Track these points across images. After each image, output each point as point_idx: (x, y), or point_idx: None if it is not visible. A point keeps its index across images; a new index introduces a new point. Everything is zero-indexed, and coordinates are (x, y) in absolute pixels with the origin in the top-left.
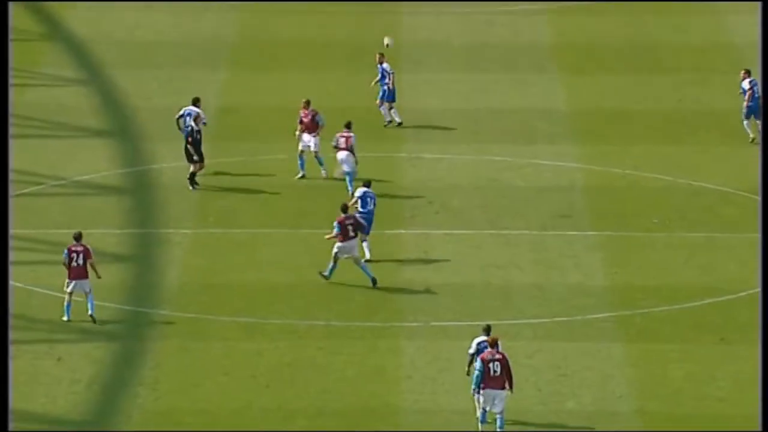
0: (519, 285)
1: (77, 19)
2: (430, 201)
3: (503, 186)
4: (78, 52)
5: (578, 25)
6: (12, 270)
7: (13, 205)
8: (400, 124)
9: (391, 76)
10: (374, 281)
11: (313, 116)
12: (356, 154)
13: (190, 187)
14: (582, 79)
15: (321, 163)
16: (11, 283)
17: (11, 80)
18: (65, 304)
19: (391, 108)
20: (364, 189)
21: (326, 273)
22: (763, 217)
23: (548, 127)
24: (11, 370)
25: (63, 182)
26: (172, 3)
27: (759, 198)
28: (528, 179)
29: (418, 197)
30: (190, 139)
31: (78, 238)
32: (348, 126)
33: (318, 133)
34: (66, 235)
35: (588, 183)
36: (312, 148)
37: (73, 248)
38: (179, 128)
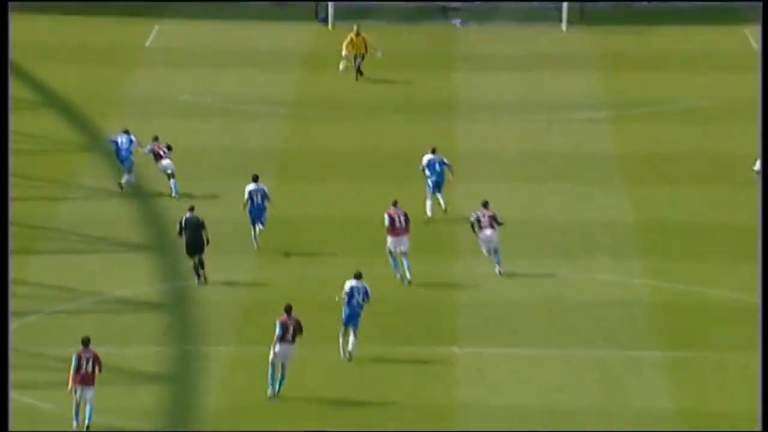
0: (581, 408)
1: (117, 130)
2: (485, 317)
3: (563, 302)
4: (117, 163)
5: (641, 133)
6: (46, 392)
7: (48, 323)
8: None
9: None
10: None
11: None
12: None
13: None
14: (647, 190)
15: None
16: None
17: (49, 193)
18: (74, 411)
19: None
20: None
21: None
22: (763, 219)
23: (611, 240)
24: None
25: (100, 298)
26: (214, 111)
27: (759, 200)
28: (590, 295)
29: (472, 313)
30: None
31: (86, 343)
32: (485, 205)
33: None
34: (100, 353)
35: (654, 300)
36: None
37: (83, 354)
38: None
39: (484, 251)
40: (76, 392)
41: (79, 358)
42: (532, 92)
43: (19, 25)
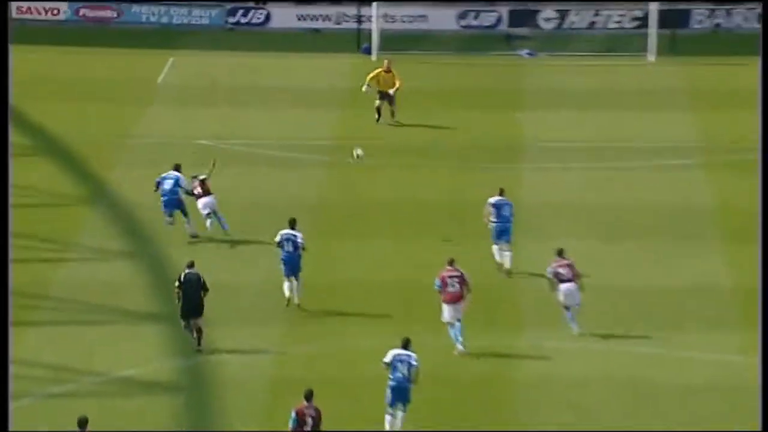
0: None
1: (122, 181)
2: (551, 396)
3: (645, 383)
4: (123, 219)
5: (738, 183)
6: None
7: (43, 407)
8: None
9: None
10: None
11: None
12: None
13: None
14: (746, 250)
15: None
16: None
17: (45, 254)
18: None
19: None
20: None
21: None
22: (763, 217)
23: (704, 309)
24: None
25: (103, 378)
26: (238, 157)
27: (759, 199)
28: (678, 375)
29: (536, 391)
30: None
31: (83, 424)
32: (560, 253)
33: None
34: None
35: (756, 383)
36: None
37: None
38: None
39: (565, 308)
40: None
41: None
42: (612, 134)
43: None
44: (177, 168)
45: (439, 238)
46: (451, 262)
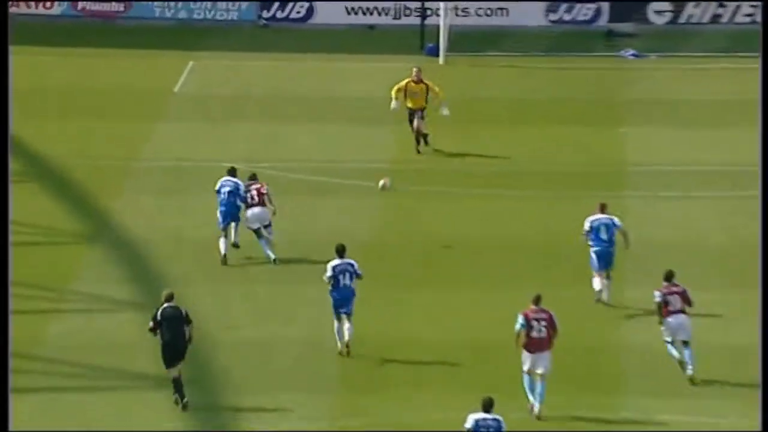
0: None
1: (129, 213)
2: None
3: None
4: (129, 259)
5: None
6: None
7: None
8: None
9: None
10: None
11: None
12: None
13: None
14: None
15: None
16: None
17: (38, 304)
18: None
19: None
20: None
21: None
22: (763, 212)
23: None
24: None
25: None
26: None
27: (759, 198)
28: None
29: None
30: None
31: None
32: (670, 278)
33: None
34: None
35: None
36: None
37: None
38: None
39: (671, 344)
40: None
41: None
42: (739, 155)
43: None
44: (232, 172)
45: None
46: (536, 300)
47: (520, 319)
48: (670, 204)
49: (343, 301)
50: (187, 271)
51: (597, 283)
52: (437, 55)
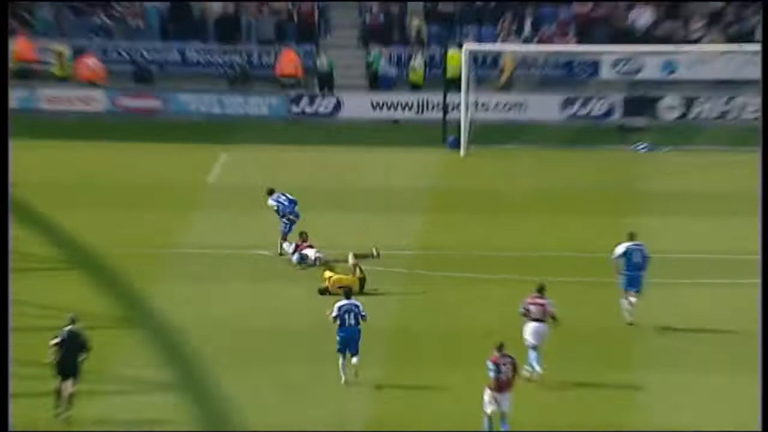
0: None
1: (166, 299)
2: None
3: None
4: (165, 344)
5: None
6: None
7: None
8: None
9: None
10: None
11: None
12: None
13: None
14: None
15: None
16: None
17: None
18: None
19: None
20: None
21: None
22: (763, 217)
23: None
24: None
25: None
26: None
27: (759, 199)
28: None
29: None
30: None
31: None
32: (540, 290)
33: None
34: None
35: None
36: None
37: None
38: None
39: (529, 345)
40: None
41: None
42: (747, 244)
43: (33, 154)
44: (271, 192)
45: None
46: (500, 348)
47: (491, 365)
48: (679, 289)
49: (348, 340)
50: (215, 355)
51: (626, 306)
52: (459, 148)
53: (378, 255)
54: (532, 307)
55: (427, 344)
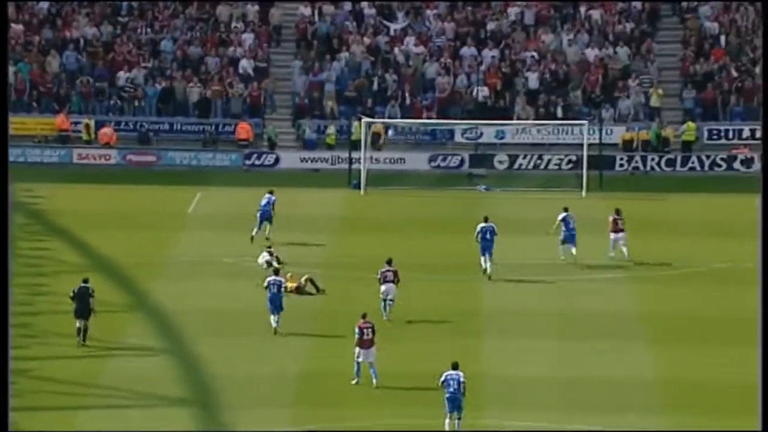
0: None
1: (163, 291)
2: None
3: None
4: (162, 323)
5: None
6: None
7: None
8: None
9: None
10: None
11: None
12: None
13: None
14: (671, 348)
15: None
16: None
17: (94, 351)
18: None
19: None
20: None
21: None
22: (763, 220)
23: (640, 398)
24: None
25: None
26: (259, 272)
27: (759, 200)
28: None
29: None
30: None
31: None
32: (389, 262)
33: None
34: None
35: None
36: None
37: None
38: None
39: (384, 299)
40: None
41: None
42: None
43: (68, 193)
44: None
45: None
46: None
47: (357, 330)
48: (511, 285)
49: (273, 301)
50: (198, 331)
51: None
52: (359, 188)
53: (320, 291)
54: (386, 274)
55: (328, 321)
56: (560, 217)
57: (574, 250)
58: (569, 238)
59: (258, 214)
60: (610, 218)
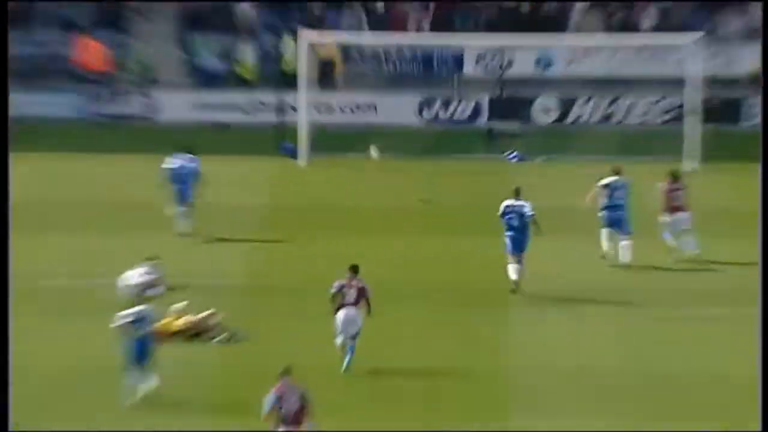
0: None
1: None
2: None
3: None
4: None
5: None
6: None
7: None
8: None
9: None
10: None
11: None
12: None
13: None
14: None
15: None
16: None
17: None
18: None
19: None
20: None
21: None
22: (763, 220)
23: None
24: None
25: None
26: None
27: (759, 200)
28: None
29: None
30: None
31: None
32: (354, 269)
33: None
34: None
35: None
36: None
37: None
38: None
39: (339, 336)
40: None
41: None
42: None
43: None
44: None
45: None
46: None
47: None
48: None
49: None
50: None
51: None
52: (295, 157)
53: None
54: (346, 292)
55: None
56: (604, 181)
57: (625, 242)
58: (614, 220)
59: (171, 182)
60: (663, 186)
